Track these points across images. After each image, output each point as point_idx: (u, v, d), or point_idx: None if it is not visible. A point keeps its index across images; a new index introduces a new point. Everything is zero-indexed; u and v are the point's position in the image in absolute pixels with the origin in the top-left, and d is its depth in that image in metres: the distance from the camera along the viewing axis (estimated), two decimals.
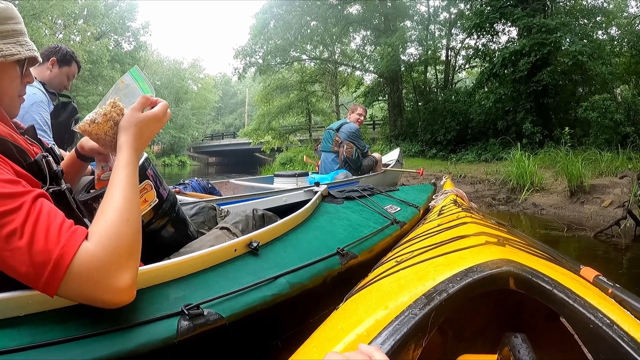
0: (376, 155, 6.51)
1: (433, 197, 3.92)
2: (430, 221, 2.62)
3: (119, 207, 1.07)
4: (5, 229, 0.89)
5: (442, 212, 2.82)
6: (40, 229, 0.92)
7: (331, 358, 0.69)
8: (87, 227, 1.03)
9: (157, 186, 1.62)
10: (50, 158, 1.20)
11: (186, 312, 1.23)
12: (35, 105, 2.69)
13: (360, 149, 5.98)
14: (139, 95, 1.31)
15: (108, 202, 1.09)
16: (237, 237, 1.83)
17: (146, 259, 1.42)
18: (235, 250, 1.64)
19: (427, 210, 3.52)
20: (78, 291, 0.95)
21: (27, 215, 0.92)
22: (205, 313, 1.28)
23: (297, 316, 1.76)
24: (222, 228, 1.92)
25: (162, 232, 1.71)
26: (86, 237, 0.98)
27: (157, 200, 1.61)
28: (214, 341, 1.33)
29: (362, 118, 6.34)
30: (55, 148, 1.38)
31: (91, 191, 1.57)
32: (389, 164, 7.23)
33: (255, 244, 1.72)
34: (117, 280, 0.98)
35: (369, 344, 0.88)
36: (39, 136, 1.36)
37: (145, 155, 1.61)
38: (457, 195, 3.48)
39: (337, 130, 6.08)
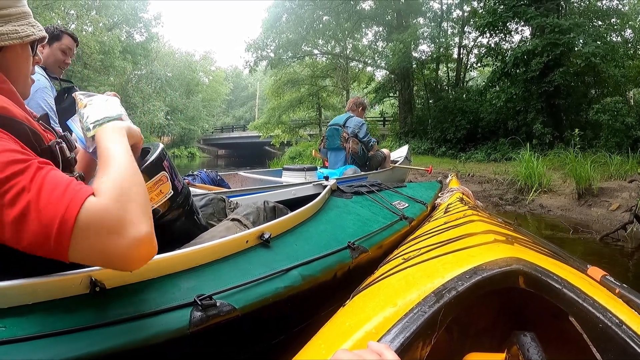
0: (385, 151, 6.41)
1: (439, 194, 3.91)
2: (436, 219, 2.61)
3: (117, 168, 1.04)
4: (14, 190, 0.87)
5: (448, 209, 2.81)
6: (48, 184, 0.90)
7: (341, 355, 0.69)
8: None
9: (173, 178, 1.62)
10: (64, 145, 1.20)
11: (199, 303, 1.24)
12: (39, 92, 2.70)
13: (364, 144, 5.78)
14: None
15: (103, 168, 1.05)
16: (248, 228, 1.84)
17: (159, 251, 1.43)
18: (247, 241, 1.65)
19: (434, 208, 3.52)
20: (93, 245, 0.89)
21: (34, 173, 0.91)
22: (218, 304, 1.28)
23: (307, 309, 1.77)
24: (232, 219, 1.92)
25: (176, 224, 1.71)
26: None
27: (172, 192, 1.61)
28: (226, 332, 1.33)
29: (360, 109, 6.15)
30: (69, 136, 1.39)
31: None
32: (397, 161, 7.19)
33: (266, 236, 1.72)
34: (133, 229, 0.91)
35: (378, 341, 0.88)
36: (51, 124, 1.37)
37: (161, 145, 1.61)
38: (463, 194, 3.47)
39: (344, 125, 5.87)
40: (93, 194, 0.93)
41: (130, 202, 0.95)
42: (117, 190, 0.95)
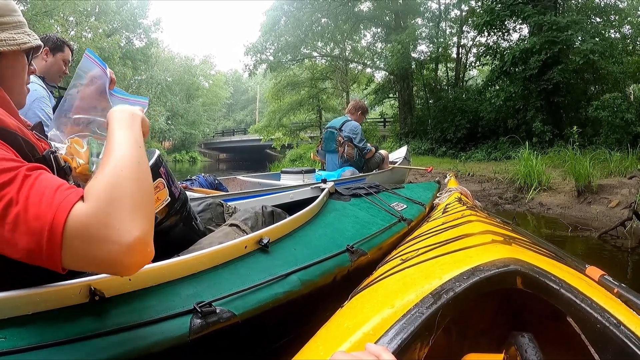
0: (383, 152, 6.37)
1: (437, 194, 3.91)
2: (434, 219, 2.61)
3: (114, 162, 0.99)
4: (1, 203, 0.86)
5: (446, 210, 2.80)
6: (35, 194, 0.88)
7: (339, 357, 0.69)
8: None
9: (170, 184, 1.62)
10: (59, 154, 1.20)
11: (199, 310, 1.24)
12: (37, 102, 2.70)
13: (359, 149, 5.74)
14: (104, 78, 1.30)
15: (103, 163, 1.01)
16: (247, 234, 1.84)
17: (157, 257, 1.43)
18: (245, 247, 1.65)
19: (432, 208, 3.52)
20: (84, 254, 0.86)
21: (22, 183, 0.88)
22: (217, 311, 1.29)
23: (307, 314, 1.76)
24: (231, 225, 1.92)
25: (174, 230, 1.71)
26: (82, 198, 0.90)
27: (170, 198, 1.61)
28: (227, 339, 1.33)
29: (360, 113, 6.06)
30: None
31: None
32: (396, 162, 7.16)
33: (265, 241, 1.72)
34: (123, 233, 0.86)
35: (375, 342, 0.88)
36: (46, 132, 1.37)
37: (157, 152, 1.62)
38: (461, 193, 3.46)
39: (340, 129, 5.82)
40: (82, 196, 0.91)
41: (121, 206, 0.90)
42: (108, 193, 0.91)
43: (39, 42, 1.26)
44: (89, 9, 32.43)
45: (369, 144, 5.90)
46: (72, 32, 29.90)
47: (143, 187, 0.99)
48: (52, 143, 1.29)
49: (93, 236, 0.86)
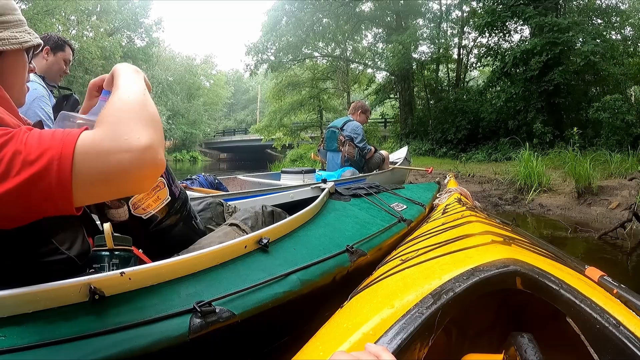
0: (383, 152, 6.37)
1: (437, 195, 3.91)
2: (434, 219, 2.61)
3: (121, 92, 1.02)
4: (6, 157, 0.85)
5: (446, 210, 2.80)
6: (37, 141, 0.88)
7: (338, 357, 0.69)
8: (95, 225, 0.98)
9: (170, 184, 1.62)
10: None
11: (198, 310, 1.24)
12: (37, 101, 2.70)
13: (359, 149, 5.78)
14: None
15: (110, 99, 1.02)
16: (247, 233, 1.84)
17: (157, 257, 1.43)
18: (245, 246, 1.64)
19: (432, 209, 3.52)
20: (95, 174, 0.85)
21: (21, 137, 0.88)
22: (217, 310, 1.29)
23: (307, 314, 1.76)
24: (231, 224, 1.92)
25: (174, 230, 1.71)
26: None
27: (170, 198, 1.61)
28: (226, 338, 1.33)
29: (360, 112, 6.18)
30: None
31: None
32: (397, 162, 7.16)
33: (265, 241, 1.72)
34: (133, 141, 0.87)
35: (375, 342, 0.88)
36: None
37: None
38: (461, 194, 3.46)
39: (342, 128, 5.89)
40: (87, 129, 0.91)
41: (129, 121, 0.91)
42: (116, 114, 0.93)
43: (39, 41, 1.26)
44: (91, 8, 32.50)
45: (369, 145, 5.93)
46: (74, 31, 29.99)
47: (149, 109, 1.00)
48: None
49: (103, 150, 0.86)
